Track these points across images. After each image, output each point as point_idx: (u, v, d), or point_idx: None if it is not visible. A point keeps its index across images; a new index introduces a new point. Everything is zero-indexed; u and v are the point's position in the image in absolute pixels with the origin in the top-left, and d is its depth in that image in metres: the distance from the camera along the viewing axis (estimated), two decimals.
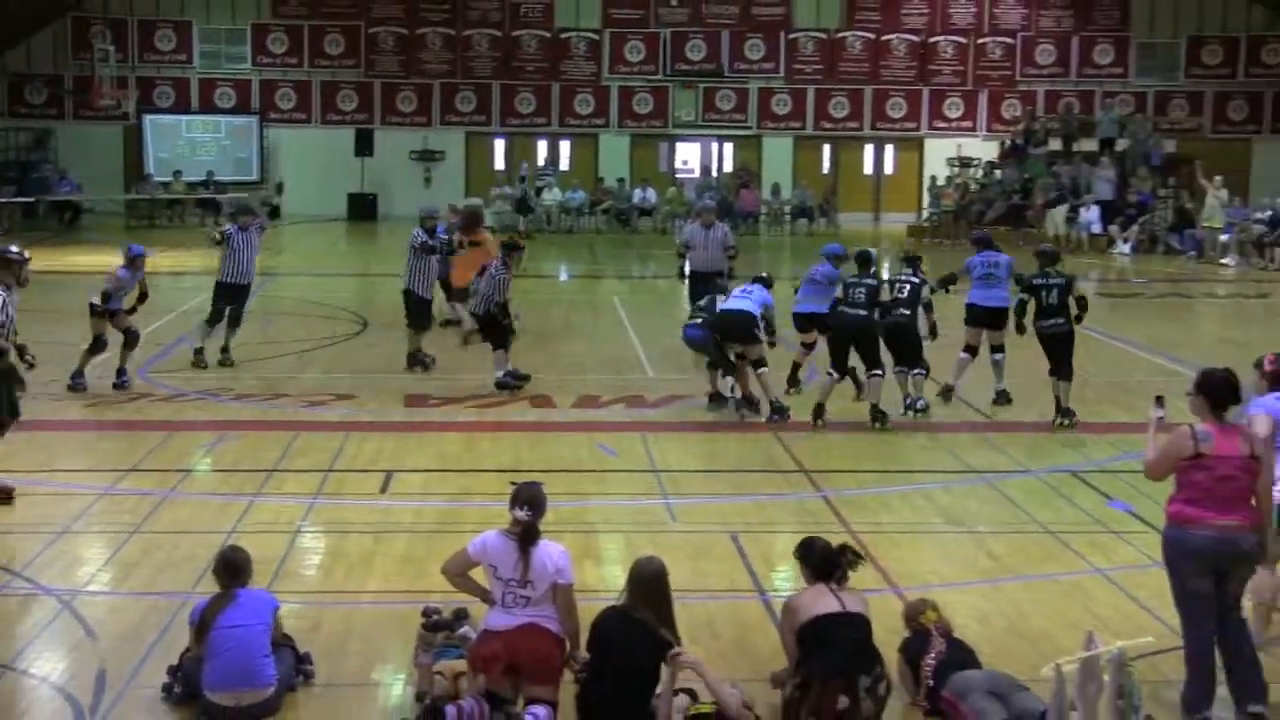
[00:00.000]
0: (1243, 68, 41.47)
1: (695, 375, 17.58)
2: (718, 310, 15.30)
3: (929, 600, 8.40)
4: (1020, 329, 15.42)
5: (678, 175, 41.90)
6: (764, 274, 16.09)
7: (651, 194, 39.93)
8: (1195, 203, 34.93)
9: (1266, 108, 41.59)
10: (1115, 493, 12.31)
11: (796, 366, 16.61)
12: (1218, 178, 33.66)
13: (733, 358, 15.18)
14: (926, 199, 40.28)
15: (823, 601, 7.48)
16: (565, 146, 42.29)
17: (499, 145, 42.14)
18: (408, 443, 13.97)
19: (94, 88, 37.43)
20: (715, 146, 42.44)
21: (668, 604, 7.53)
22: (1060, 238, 34.22)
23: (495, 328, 16.58)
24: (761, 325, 15.05)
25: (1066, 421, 15.09)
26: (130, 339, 16.34)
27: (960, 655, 7.88)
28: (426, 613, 8.44)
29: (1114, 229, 35.30)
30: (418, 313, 17.69)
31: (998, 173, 38.92)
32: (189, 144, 40.62)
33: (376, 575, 9.93)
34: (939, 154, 41.05)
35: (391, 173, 40.68)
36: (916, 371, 15.13)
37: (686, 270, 19.31)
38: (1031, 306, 15.14)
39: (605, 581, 9.60)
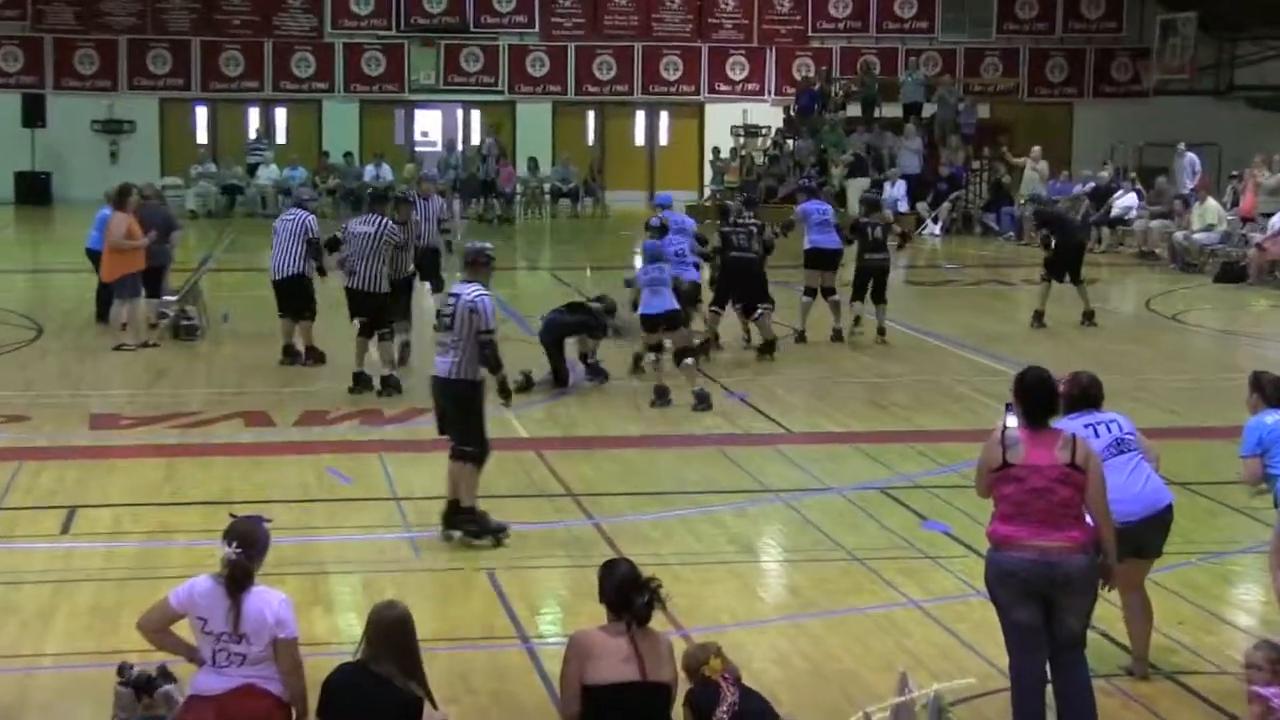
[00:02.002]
0: (1061, 22, 42.49)
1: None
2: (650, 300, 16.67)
3: (711, 646, 8.33)
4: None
5: (417, 149, 41.38)
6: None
7: (387, 171, 39.14)
8: (1012, 176, 35.50)
9: (1088, 67, 42.66)
10: (930, 511, 12.55)
11: (639, 357, 18.22)
12: (1036, 148, 34.34)
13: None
14: (709, 174, 40.49)
15: (618, 662, 7.36)
16: (281, 115, 41.56)
17: (200, 114, 41.51)
18: (94, 472, 13.62)
19: None
20: (460, 114, 42.14)
21: (414, 655, 7.43)
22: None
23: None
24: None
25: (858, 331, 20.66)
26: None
27: (756, 705, 7.87)
28: (122, 669, 8.22)
29: (922, 207, 35.75)
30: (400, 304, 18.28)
31: (790, 143, 39.23)
32: None
33: (58, 633, 9.66)
34: (722, 122, 41.16)
35: (69, 147, 39.79)
36: (761, 311, 19.08)
37: None
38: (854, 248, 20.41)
39: (339, 632, 9.50)
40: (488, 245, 12.07)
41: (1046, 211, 24.68)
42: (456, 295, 11.70)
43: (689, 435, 15.38)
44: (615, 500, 12.94)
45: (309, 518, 12.20)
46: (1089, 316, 22.01)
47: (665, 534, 11.97)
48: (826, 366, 19.01)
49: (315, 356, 18.57)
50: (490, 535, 11.60)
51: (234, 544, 7.49)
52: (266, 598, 7.51)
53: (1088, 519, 7.82)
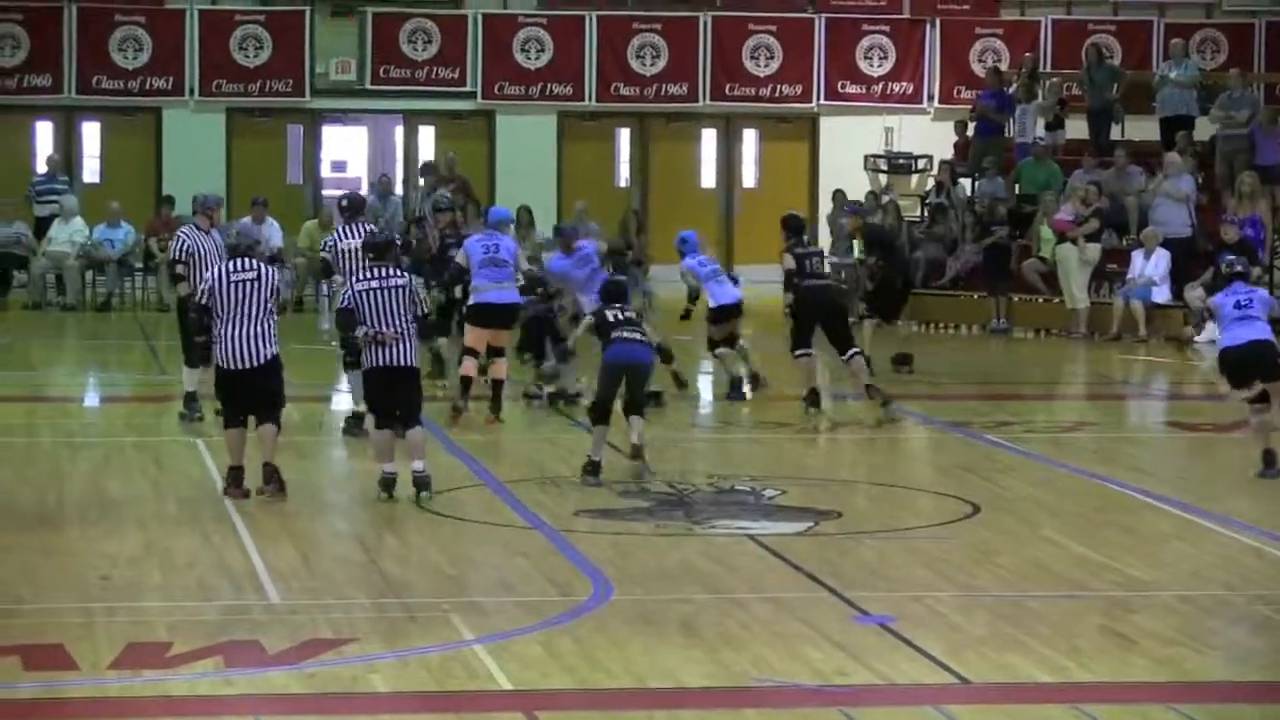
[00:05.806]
0: None
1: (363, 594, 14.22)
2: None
3: None
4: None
5: (325, 193, 34.99)
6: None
7: (275, 230, 30.45)
8: None
9: None
10: None
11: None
12: None
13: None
14: (824, 234, 33.82)
15: None
16: (91, 134, 35.18)
17: None
18: None
19: None
20: (400, 133, 36.54)
21: None
22: (1083, 312, 29.70)
23: None
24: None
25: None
26: None
27: None
28: None
29: (1195, 295, 28.73)
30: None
31: (964, 184, 33.33)
32: None
33: None
34: (850, 147, 36.11)
35: None
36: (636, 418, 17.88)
37: None
38: None
39: None
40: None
41: (874, 229, 25.53)
42: None
43: (786, 686, 11.91)
44: None
45: None
46: (904, 360, 23.31)
47: None
48: (1012, 556, 15.17)
49: (277, 482, 16.25)
50: None
51: None
52: None
53: None
